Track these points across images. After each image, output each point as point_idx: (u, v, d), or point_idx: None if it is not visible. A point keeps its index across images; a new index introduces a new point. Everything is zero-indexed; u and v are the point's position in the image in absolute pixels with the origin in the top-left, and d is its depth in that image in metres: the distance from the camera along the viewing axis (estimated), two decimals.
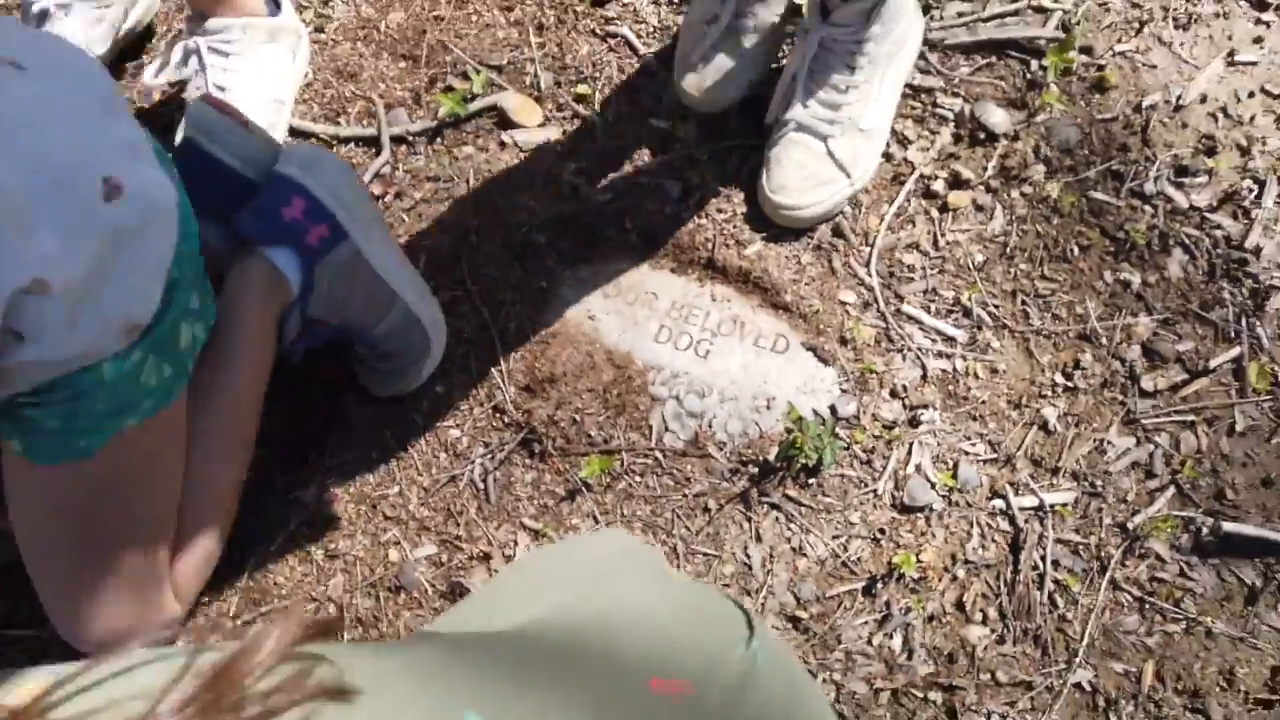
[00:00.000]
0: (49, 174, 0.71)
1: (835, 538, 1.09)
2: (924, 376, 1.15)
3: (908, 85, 1.28)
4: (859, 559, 1.08)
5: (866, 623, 1.05)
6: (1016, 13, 1.32)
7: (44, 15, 1.34)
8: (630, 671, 0.54)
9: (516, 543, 1.10)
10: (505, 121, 1.34)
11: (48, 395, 0.78)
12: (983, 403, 1.15)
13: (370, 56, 1.40)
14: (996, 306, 1.19)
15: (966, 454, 1.12)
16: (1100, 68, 1.29)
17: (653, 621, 0.61)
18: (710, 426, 1.13)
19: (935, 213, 1.23)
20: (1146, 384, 1.15)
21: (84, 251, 0.72)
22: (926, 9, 1.32)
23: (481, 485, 1.13)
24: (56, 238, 0.71)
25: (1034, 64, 1.29)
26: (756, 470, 1.11)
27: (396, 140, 1.33)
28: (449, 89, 1.36)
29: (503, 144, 1.33)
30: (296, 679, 0.35)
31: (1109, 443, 1.12)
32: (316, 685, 0.35)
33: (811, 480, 1.10)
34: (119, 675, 0.36)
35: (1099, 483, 1.11)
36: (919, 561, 1.06)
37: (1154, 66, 1.29)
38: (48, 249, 0.70)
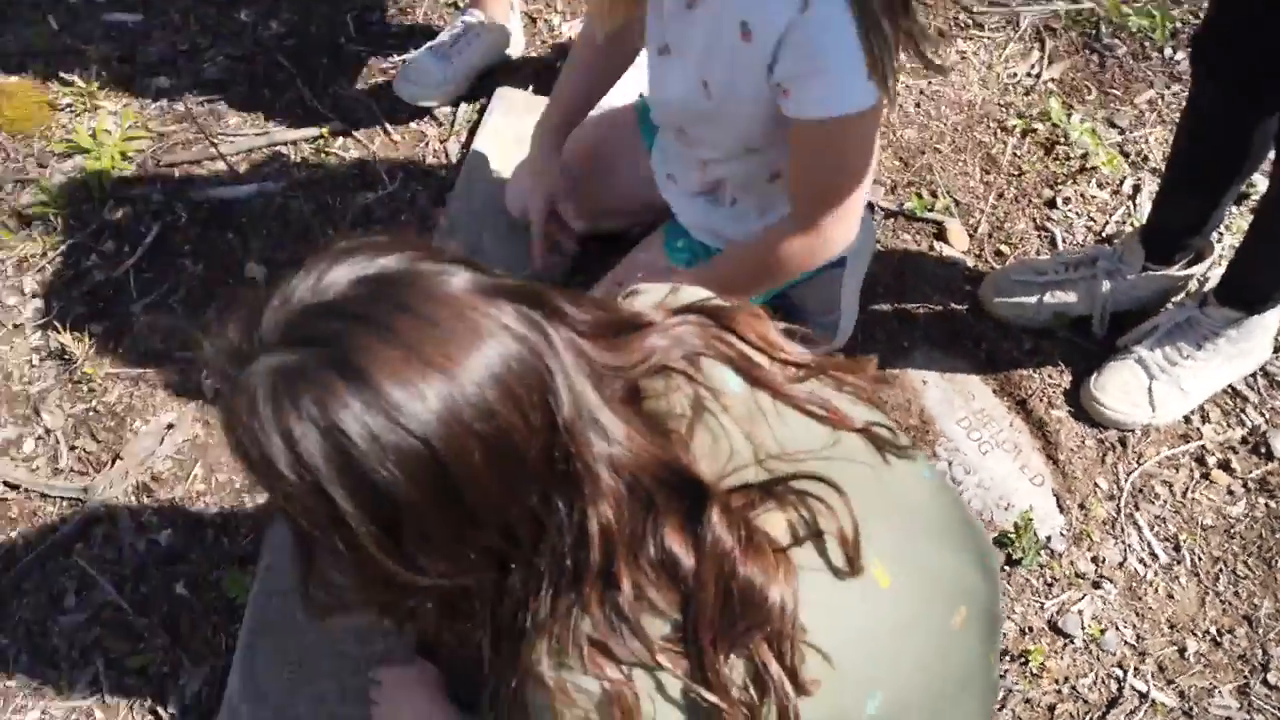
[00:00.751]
0: None
1: None
2: (1121, 565, 1.56)
3: (1232, 384, 1.70)
4: (1005, 634, 1.49)
5: None
6: None
7: None
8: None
9: None
10: (941, 234, 1.87)
11: None
12: (1150, 608, 1.53)
13: (881, 146, 1.98)
14: (1199, 559, 1.58)
15: (1117, 628, 1.51)
16: None
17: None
18: (962, 494, 1.59)
19: (1197, 475, 1.64)
20: (1271, 678, 1.49)
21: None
22: (1278, 349, 1.74)
23: None
24: None
25: None
26: None
27: (869, 206, 1.89)
28: (919, 194, 1.92)
29: (931, 247, 1.86)
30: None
31: (1219, 693, 1.48)
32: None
33: (1006, 567, 1.53)
34: None
35: (1196, 712, 1.47)
36: (1043, 664, 1.46)
37: None
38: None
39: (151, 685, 1.44)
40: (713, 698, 0.71)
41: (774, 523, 0.76)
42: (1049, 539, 1.56)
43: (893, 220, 1.89)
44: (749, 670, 0.73)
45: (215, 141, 1.93)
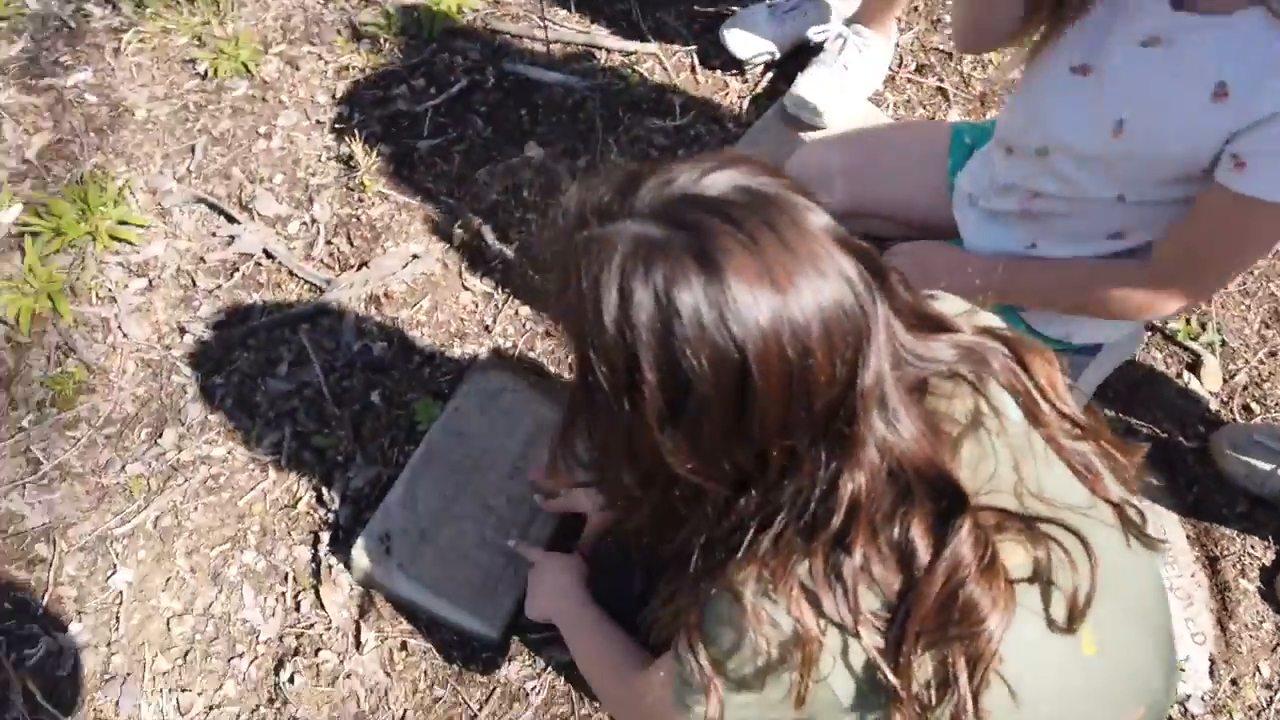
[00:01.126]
0: None
1: None
2: None
3: None
4: None
5: None
6: None
7: None
8: None
9: None
10: (1194, 367, 1.84)
11: None
12: None
13: None
14: None
15: None
16: None
17: None
18: None
19: None
20: None
21: None
22: None
23: None
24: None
25: None
26: None
27: None
28: (1187, 320, 1.88)
29: (1180, 375, 1.83)
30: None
31: None
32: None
33: None
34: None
35: None
36: None
37: None
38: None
39: (324, 467, 1.62)
40: (894, 680, 0.75)
41: (1011, 553, 0.78)
42: (1188, 698, 1.53)
43: (1151, 334, 1.87)
44: (937, 673, 0.76)
45: (545, 25, 2.10)
